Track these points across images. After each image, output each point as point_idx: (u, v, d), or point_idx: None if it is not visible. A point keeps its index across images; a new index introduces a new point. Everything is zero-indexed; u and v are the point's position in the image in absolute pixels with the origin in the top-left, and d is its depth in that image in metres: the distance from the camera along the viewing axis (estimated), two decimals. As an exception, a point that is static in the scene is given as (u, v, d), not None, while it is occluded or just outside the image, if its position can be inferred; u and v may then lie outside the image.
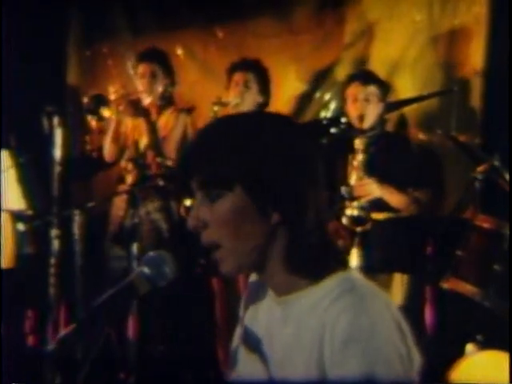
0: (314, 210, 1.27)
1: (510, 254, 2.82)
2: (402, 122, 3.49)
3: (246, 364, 1.37)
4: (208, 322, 3.55)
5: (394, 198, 3.33)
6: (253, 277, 1.45)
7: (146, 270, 1.27)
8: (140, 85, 3.89)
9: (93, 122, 3.83)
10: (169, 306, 3.70)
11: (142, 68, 3.91)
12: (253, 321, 1.40)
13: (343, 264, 1.31)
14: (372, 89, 3.38)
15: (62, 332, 1.23)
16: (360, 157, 3.25)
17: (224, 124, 1.34)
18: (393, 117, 3.72)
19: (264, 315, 1.37)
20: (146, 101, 3.84)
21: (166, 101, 3.98)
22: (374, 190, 3.28)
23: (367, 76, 3.44)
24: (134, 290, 1.27)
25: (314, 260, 1.27)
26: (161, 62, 3.95)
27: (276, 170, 1.25)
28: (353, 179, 3.27)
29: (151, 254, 1.30)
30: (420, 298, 3.24)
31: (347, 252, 3.24)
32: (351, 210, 3.25)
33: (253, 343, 1.35)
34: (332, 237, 1.29)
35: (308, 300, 1.27)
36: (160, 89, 3.90)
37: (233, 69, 3.78)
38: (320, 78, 4.47)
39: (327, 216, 1.31)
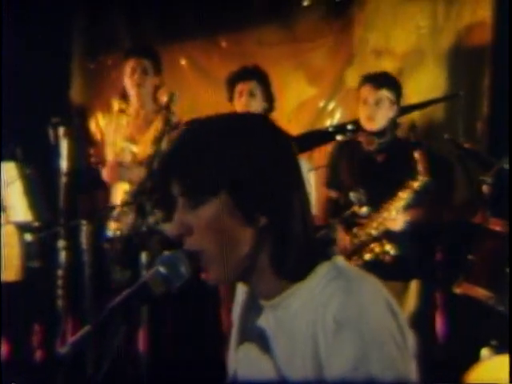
0: (299, 211, 1.25)
1: (509, 255, 2.80)
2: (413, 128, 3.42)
3: (254, 364, 1.33)
4: (215, 328, 3.53)
5: (417, 218, 3.30)
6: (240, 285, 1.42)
7: (161, 269, 1.25)
8: (130, 82, 3.68)
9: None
10: (176, 312, 3.67)
11: (131, 63, 3.69)
12: (251, 324, 1.37)
13: (327, 255, 1.28)
14: (383, 92, 3.30)
15: (76, 335, 1.20)
16: (407, 195, 3.22)
17: (200, 128, 1.29)
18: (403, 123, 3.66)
19: (258, 321, 1.34)
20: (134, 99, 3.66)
21: (157, 105, 3.71)
22: (401, 223, 3.26)
23: (379, 79, 3.35)
24: (149, 290, 1.24)
25: (302, 262, 1.25)
26: (151, 58, 3.73)
27: (259, 172, 1.23)
28: (392, 212, 3.25)
29: (167, 253, 1.27)
30: (432, 304, 3.22)
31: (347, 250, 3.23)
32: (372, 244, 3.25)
33: (261, 341, 1.32)
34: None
35: (297, 297, 1.26)
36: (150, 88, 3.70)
37: (234, 79, 3.68)
38: (325, 86, 4.47)
39: (312, 217, 1.29)
